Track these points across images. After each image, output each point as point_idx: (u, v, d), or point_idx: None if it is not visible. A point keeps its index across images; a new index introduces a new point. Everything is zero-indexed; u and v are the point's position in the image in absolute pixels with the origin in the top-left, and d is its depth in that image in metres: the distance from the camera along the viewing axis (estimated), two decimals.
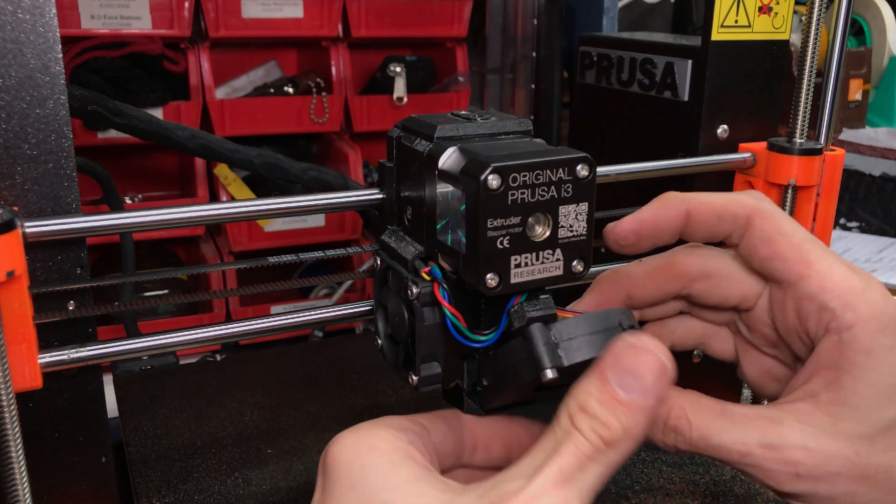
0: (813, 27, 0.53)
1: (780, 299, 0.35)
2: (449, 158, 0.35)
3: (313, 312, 0.44)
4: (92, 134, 0.94)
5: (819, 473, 0.30)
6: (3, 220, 0.35)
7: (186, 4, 0.96)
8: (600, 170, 0.47)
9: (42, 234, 0.37)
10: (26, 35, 0.36)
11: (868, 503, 0.30)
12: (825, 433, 0.30)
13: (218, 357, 0.73)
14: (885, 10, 1.46)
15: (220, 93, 1.08)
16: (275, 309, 1.08)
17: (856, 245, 1.10)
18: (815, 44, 0.53)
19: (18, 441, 0.35)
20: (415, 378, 0.37)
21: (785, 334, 0.35)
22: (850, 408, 0.31)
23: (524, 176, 0.32)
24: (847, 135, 1.34)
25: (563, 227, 0.34)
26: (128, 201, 1.07)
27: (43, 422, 0.41)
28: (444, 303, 0.35)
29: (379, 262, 0.40)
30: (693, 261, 0.37)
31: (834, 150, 0.55)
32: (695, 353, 0.61)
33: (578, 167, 0.33)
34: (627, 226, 0.36)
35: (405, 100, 1.09)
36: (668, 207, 0.36)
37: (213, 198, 1.05)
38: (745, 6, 0.55)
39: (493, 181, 0.31)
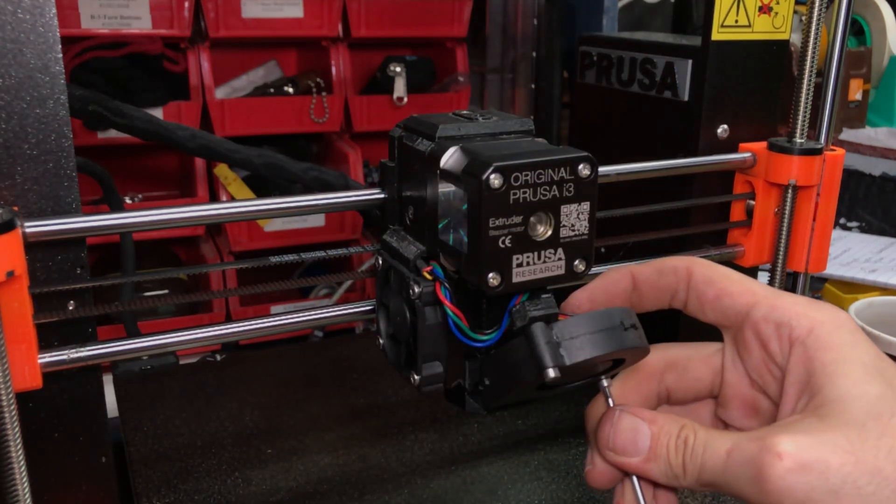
0: (813, 27, 0.53)
1: (741, 340, 0.35)
2: (451, 158, 0.35)
3: (313, 312, 0.44)
4: (92, 134, 0.94)
5: (808, 459, 0.29)
6: (3, 220, 0.35)
7: (186, 4, 0.96)
8: (600, 170, 0.47)
9: (42, 234, 0.37)
10: (26, 35, 0.36)
11: (874, 492, 0.29)
12: (813, 428, 0.30)
13: (218, 357, 0.73)
14: (885, 9, 1.46)
15: (220, 93, 1.08)
16: (275, 309, 1.08)
17: (856, 245, 1.10)
18: (815, 44, 0.53)
19: (18, 441, 0.35)
20: (417, 377, 0.37)
21: (758, 378, 0.35)
22: (832, 402, 0.31)
23: (526, 175, 0.32)
24: (847, 135, 1.34)
25: (564, 226, 0.34)
26: (128, 201, 1.07)
27: (43, 422, 0.41)
28: (446, 302, 0.35)
29: (380, 262, 0.40)
30: (654, 356, 0.38)
31: (834, 150, 0.55)
32: None
33: (580, 167, 0.33)
34: (581, 296, 0.38)
35: (405, 100, 1.09)
36: (613, 272, 0.38)
37: (213, 198, 1.05)
38: (745, 6, 0.55)
39: (495, 180, 0.31)
